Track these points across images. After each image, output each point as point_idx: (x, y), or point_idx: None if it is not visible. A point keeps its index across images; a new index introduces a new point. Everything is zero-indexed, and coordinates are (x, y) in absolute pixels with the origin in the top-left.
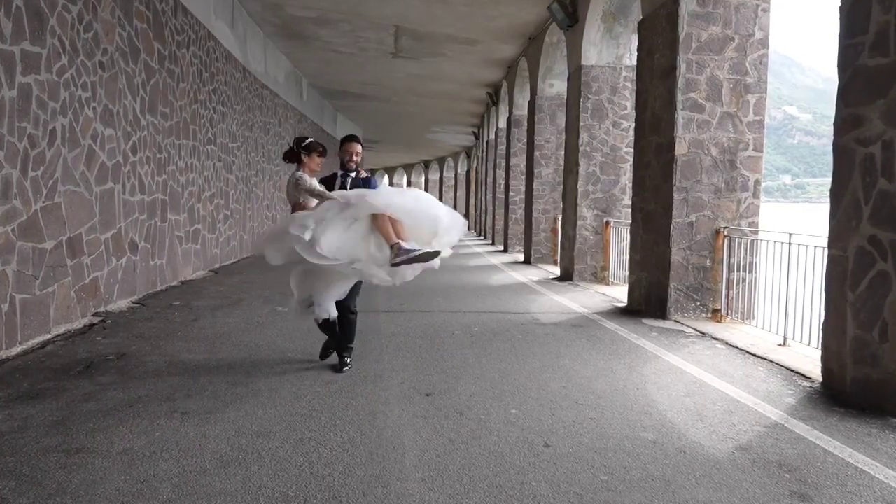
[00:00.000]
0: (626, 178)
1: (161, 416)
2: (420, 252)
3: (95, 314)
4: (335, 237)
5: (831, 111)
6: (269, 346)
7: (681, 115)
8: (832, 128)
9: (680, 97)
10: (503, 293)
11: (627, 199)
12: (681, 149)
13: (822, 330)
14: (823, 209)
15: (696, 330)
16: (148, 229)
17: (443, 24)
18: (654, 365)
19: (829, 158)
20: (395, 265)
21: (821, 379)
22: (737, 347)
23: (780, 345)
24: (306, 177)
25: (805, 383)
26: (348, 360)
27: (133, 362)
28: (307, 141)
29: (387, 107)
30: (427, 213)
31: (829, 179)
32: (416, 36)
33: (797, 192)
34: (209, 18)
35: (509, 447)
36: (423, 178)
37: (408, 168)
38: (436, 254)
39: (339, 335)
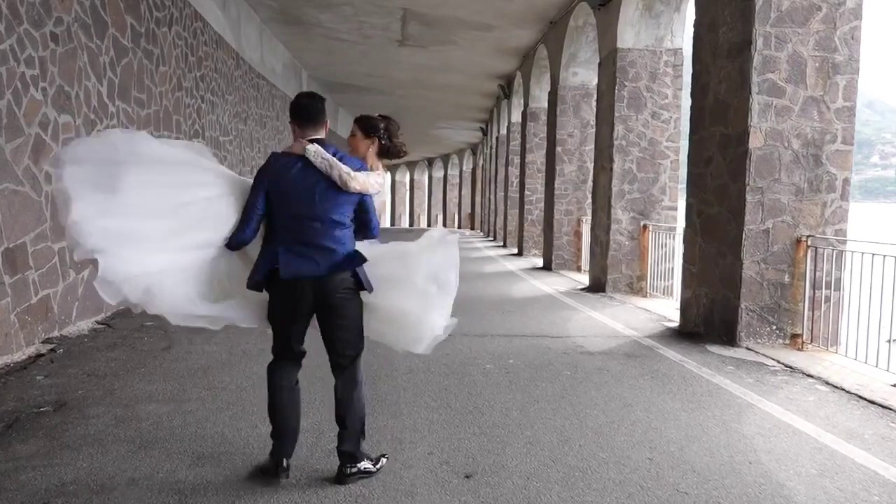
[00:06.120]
0: (667, 177)
1: None
2: None
3: (46, 340)
4: None
5: None
6: (253, 387)
7: (756, 101)
8: None
9: (755, 78)
10: (531, 308)
11: (668, 200)
12: (756, 141)
13: None
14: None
15: (778, 362)
16: None
17: (455, 7)
18: (752, 418)
19: None
20: None
21: None
22: (843, 389)
23: (894, 385)
24: None
25: None
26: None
27: (72, 418)
28: None
29: (391, 101)
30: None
31: None
32: (426, 21)
33: None
34: None
35: None
36: (426, 176)
37: (411, 165)
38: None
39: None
